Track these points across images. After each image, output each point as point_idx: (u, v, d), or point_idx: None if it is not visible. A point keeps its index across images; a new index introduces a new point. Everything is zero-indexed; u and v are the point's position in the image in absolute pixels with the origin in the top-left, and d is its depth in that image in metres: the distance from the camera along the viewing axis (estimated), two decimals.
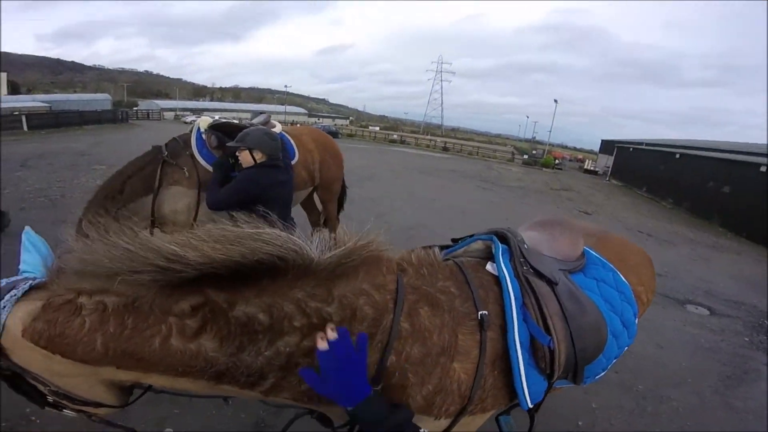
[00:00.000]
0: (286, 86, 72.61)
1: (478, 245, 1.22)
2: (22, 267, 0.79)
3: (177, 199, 2.62)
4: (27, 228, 0.83)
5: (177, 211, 2.62)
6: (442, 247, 1.24)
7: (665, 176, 18.65)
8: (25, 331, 0.69)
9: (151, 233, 2.03)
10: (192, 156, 2.66)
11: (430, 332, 0.89)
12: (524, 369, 0.95)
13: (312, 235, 0.87)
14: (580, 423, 2.49)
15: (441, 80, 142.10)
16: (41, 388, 0.76)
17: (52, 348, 0.71)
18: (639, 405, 2.77)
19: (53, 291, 0.74)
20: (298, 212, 3.16)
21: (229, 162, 2.51)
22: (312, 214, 4.14)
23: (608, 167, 29.05)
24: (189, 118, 41.33)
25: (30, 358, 0.72)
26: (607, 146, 34.57)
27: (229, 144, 2.37)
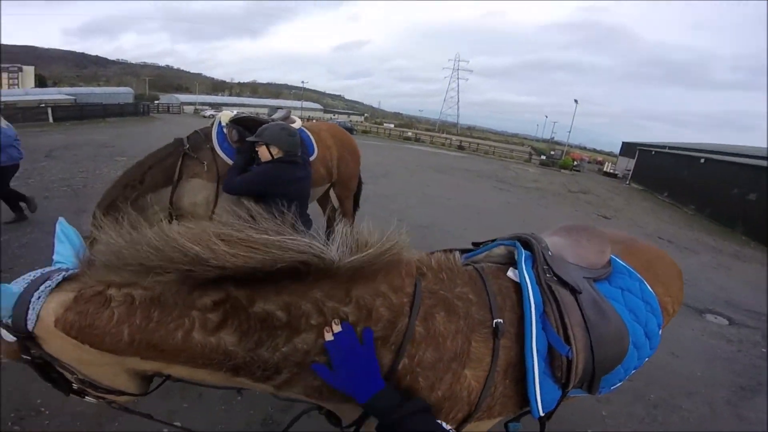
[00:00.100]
0: (303, 82, 73.08)
1: (500, 250, 1.20)
2: (55, 257, 0.82)
3: (196, 191, 2.65)
4: (61, 219, 0.86)
5: (196, 203, 2.66)
6: (463, 251, 1.23)
7: (688, 181, 18.07)
8: (58, 322, 0.72)
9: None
10: (212, 149, 2.69)
11: (444, 337, 0.89)
12: (539, 378, 0.93)
13: (333, 233, 0.88)
14: (589, 431, 2.46)
15: (458, 78, 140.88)
16: (68, 375, 0.79)
17: (83, 338, 0.73)
18: (650, 414, 2.73)
19: (84, 282, 0.76)
20: (311, 205, 3.18)
21: (250, 150, 2.51)
22: (326, 208, 4.16)
23: (628, 170, 28.26)
24: (208, 113, 42.05)
25: (61, 347, 0.74)
26: (627, 149, 33.61)
27: (248, 139, 2.39)
